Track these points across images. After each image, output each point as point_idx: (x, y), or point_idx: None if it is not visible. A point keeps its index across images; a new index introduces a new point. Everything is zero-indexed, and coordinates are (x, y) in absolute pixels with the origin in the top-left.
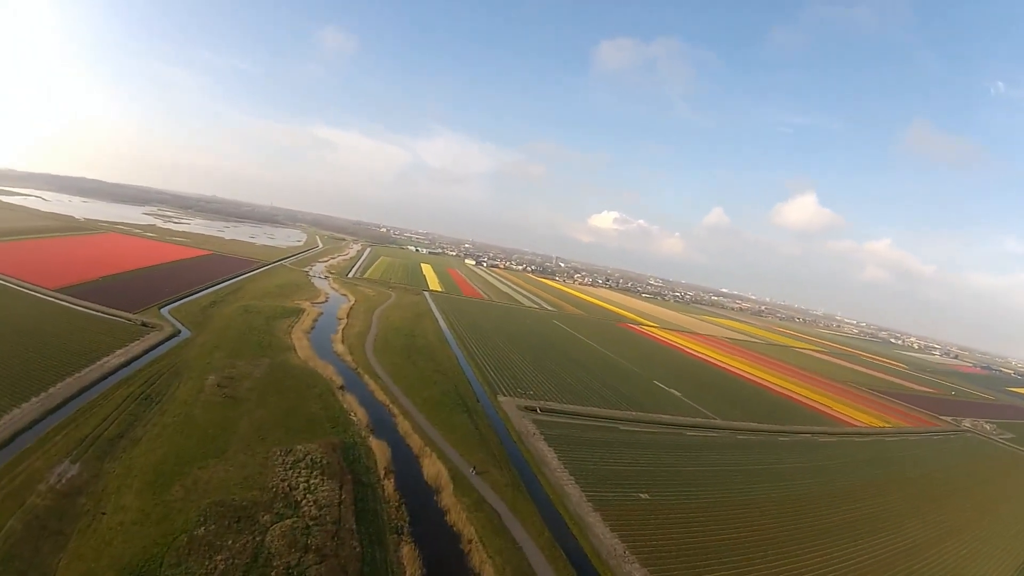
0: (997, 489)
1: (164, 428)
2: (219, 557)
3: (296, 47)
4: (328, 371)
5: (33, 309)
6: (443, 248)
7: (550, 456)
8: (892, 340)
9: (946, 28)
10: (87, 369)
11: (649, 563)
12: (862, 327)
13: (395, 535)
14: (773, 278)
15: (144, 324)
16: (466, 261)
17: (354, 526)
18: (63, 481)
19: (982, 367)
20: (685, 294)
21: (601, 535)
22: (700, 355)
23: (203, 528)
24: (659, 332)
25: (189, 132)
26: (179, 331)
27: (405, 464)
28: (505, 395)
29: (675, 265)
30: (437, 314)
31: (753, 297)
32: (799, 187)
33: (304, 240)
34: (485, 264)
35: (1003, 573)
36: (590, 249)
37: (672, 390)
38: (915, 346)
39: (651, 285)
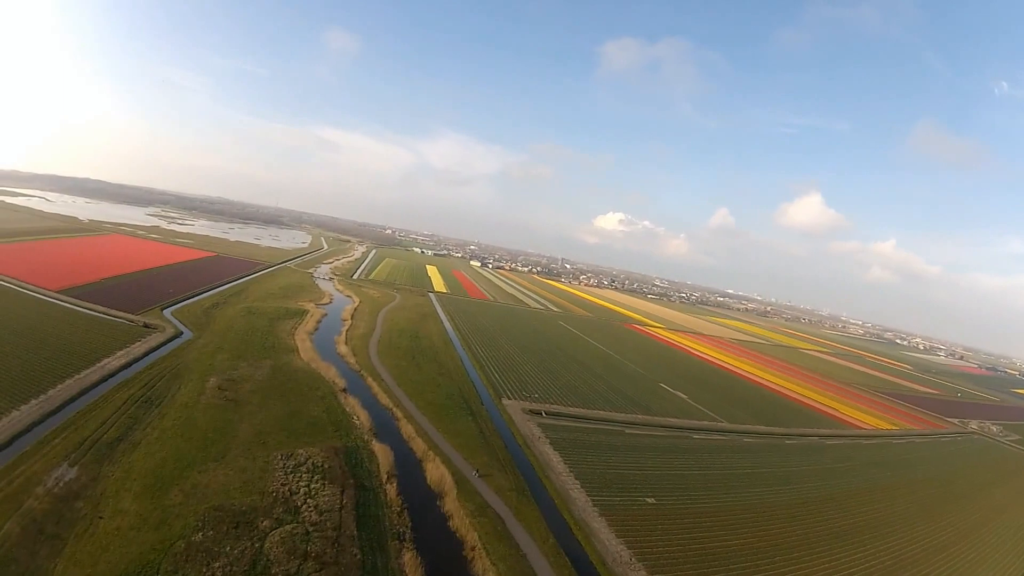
0: (1006, 492)
1: (164, 431)
2: (217, 564)
3: (300, 49)
4: (331, 373)
5: (34, 310)
6: (448, 250)
7: (555, 460)
8: (898, 341)
9: (949, 27)
10: (87, 371)
11: (655, 570)
12: (867, 328)
13: (397, 541)
14: (779, 279)
15: (146, 325)
16: (471, 263)
17: (355, 532)
18: (61, 485)
19: (987, 368)
20: (691, 295)
21: (607, 541)
22: (706, 356)
23: (201, 534)
24: (665, 333)
25: (194, 133)
26: (181, 332)
27: (408, 468)
28: (510, 398)
29: (681, 266)
30: (442, 316)
31: (759, 298)
32: (804, 188)
33: (309, 242)
34: (490, 266)
35: None
36: (596, 250)
37: (678, 392)
38: (920, 347)
39: (657, 286)
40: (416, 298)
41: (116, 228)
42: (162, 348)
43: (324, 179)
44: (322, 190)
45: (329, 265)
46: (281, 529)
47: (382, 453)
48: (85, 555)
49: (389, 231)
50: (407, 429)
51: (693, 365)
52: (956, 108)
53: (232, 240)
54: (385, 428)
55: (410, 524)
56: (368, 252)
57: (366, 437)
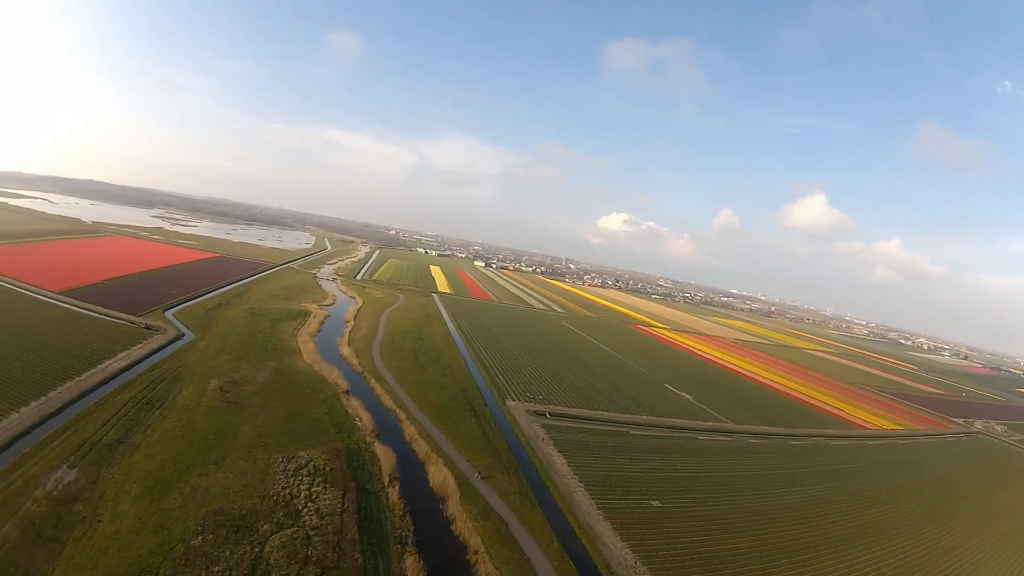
0: (1011, 493)
1: (164, 434)
2: (216, 569)
3: (304, 50)
4: (333, 375)
5: (35, 312)
6: (452, 250)
7: (559, 462)
8: (902, 341)
9: (952, 27)
10: (88, 373)
11: (661, 574)
12: (871, 328)
13: (399, 545)
14: (783, 279)
15: (148, 327)
16: (475, 263)
17: (356, 536)
18: (60, 487)
19: (992, 368)
20: (695, 295)
21: (611, 545)
22: (710, 357)
23: (201, 538)
24: (669, 334)
25: (198, 135)
26: (183, 334)
27: (411, 471)
28: (514, 399)
29: (685, 266)
30: (445, 316)
31: (763, 298)
32: (808, 188)
33: (312, 242)
34: (494, 266)
35: None
36: (600, 251)
37: (683, 393)
38: (925, 347)
39: (661, 286)
40: (420, 299)
41: (119, 229)
42: (164, 350)
43: (328, 180)
44: (326, 191)
45: (332, 266)
46: (281, 533)
47: (384, 455)
48: (83, 558)
49: (393, 232)
50: (410, 431)
51: (697, 365)
52: (960, 108)
53: (235, 241)
54: (387, 430)
55: (412, 528)
56: (372, 253)
57: (368, 439)
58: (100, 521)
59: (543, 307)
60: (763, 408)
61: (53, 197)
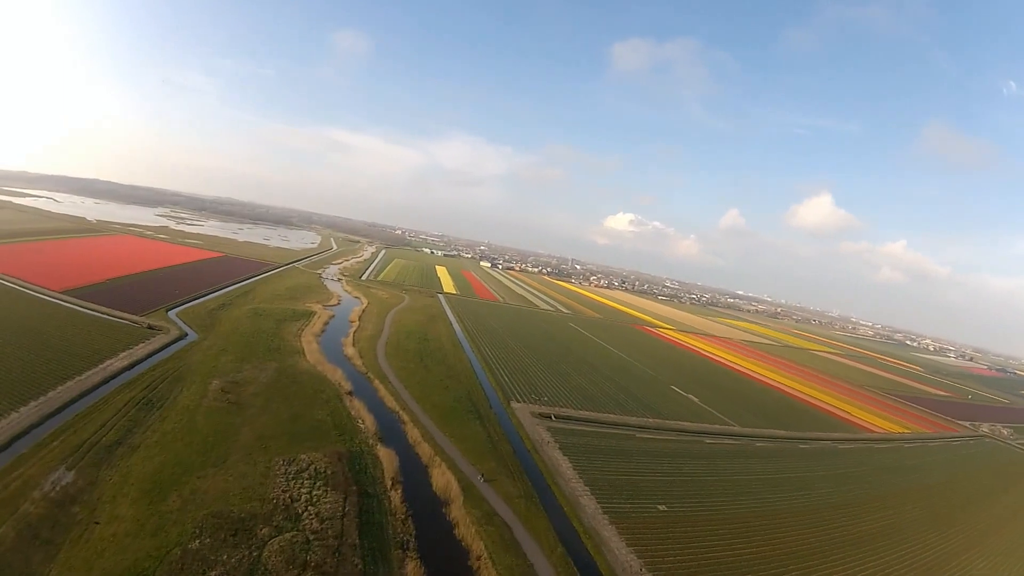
0: (1017, 497)
1: (164, 435)
2: (213, 573)
3: (310, 50)
4: (337, 376)
5: (36, 311)
6: (458, 250)
7: (564, 466)
8: (907, 342)
9: (957, 26)
10: (89, 373)
11: None
12: (877, 329)
13: (400, 550)
14: (789, 280)
15: (150, 327)
16: (481, 263)
17: (357, 541)
18: (57, 489)
19: (997, 369)
20: (701, 296)
21: (617, 550)
22: (717, 358)
23: (198, 541)
24: (675, 335)
25: (204, 135)
26: (185, 334)
27: (413, 474)
28: (519, 401)
29: (691, 267)
30: (451, 317)
31: (769, 299)
32: (815, 188)
33: (318, 242)
34: (500, 266)
35: None
36: (606, 251)
37: (689, 395)
38: (930, 348)
39: (667, 287)
40: (425, 299)
41: (124, 229)
42: (166, 350)
43: (334, 180)
44: (333, 191)
45: (338, 266)
46: (281, 537)
47: (387, 458)
48: (79, 561)
49: (399, 232)
50: (413, 433)
51: (703, 367)
52: (966, 108)
53: (241, 240)
54: (391, 432)
55: (414, 532)
56: (377, 253)
57: (371, 442)
58: (97, 523)
59: (549, 308)
60: (770, 411)
61: (58, 196)
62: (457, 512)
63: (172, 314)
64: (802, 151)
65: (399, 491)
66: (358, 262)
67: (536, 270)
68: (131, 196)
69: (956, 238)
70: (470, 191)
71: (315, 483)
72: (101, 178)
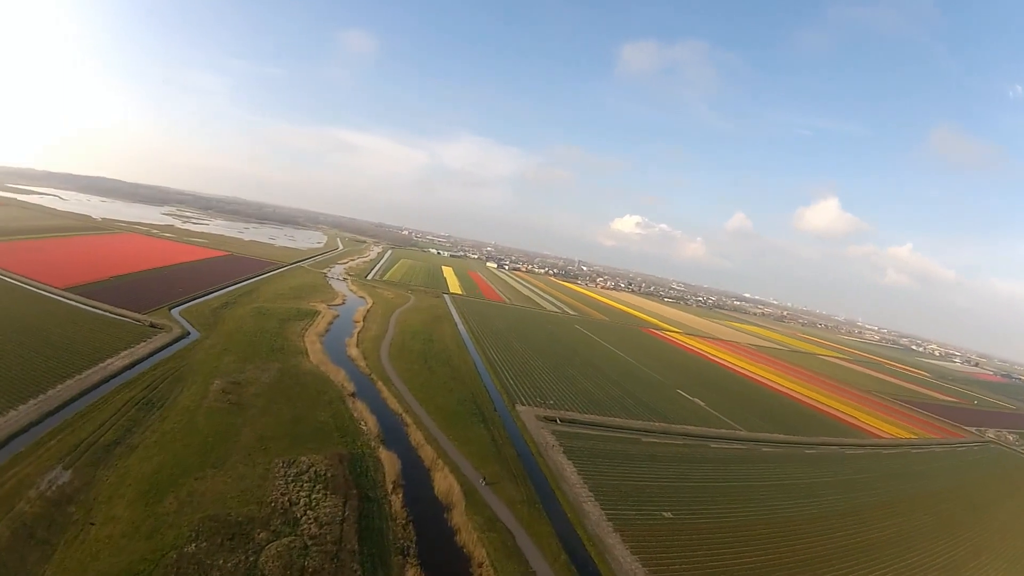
0: (1022, 503)
1: (163, 435)
2: None
3: (317, 50)
4: (340, 377)
5: (38, 308)
6: (465, 251)
7: (569, 471)
8: (913, 347)
9: (966, 28)
10: (89, 371)
11: None
12: (883, 333)
13: (400, 557)
14: (795, 283)
15: (152, 325)
16: (488, 264)
17: (356, 546)
18: (54, 488)
19: (1002, 375)
20: (707, 299)
21: (621, 559)
22: (723, 362)
23: (194, 545)
24: (682, 338)
25: (211, 135)
26: (188, 333)
27: (415, 478)
28: (524, 404)
29: (697, 269)
30: (456, 318)
31: (775, 302)
32: (821, 191)
33: (324, 242)
34: (507, 267)
35: None
36: (613, 253)
37: (696, 399)
38: (936, 353)
39: (674, 289)
40: (431, 300)
41: (129, 227)
42: (168, 349)
43: (341, 180)
44: (339, 191)
45: (344, 265)
46: (278, 542)
47: (389, 461)
48: (74, 562)
49: (406, 232)
50: (416, 436)
51: (710, 370)
52: (973, 111)
53: (246, 239)
54: (393, 434)
55: (415, 538)
56: (384, 253)
57: (373, 444)
58: (93, 524)
59: (555, 309)
60: (777, 415)
61: (64, 194)
62: (459, 518)
63: (175, 312)
64: (809, 153)
65: (400, 495)
66: (364, 262)
67: (542, 271)
68: (137, 194)
69: (962, 241)
70: (477, 192)
71: (315, 486)
72: (108, 176)
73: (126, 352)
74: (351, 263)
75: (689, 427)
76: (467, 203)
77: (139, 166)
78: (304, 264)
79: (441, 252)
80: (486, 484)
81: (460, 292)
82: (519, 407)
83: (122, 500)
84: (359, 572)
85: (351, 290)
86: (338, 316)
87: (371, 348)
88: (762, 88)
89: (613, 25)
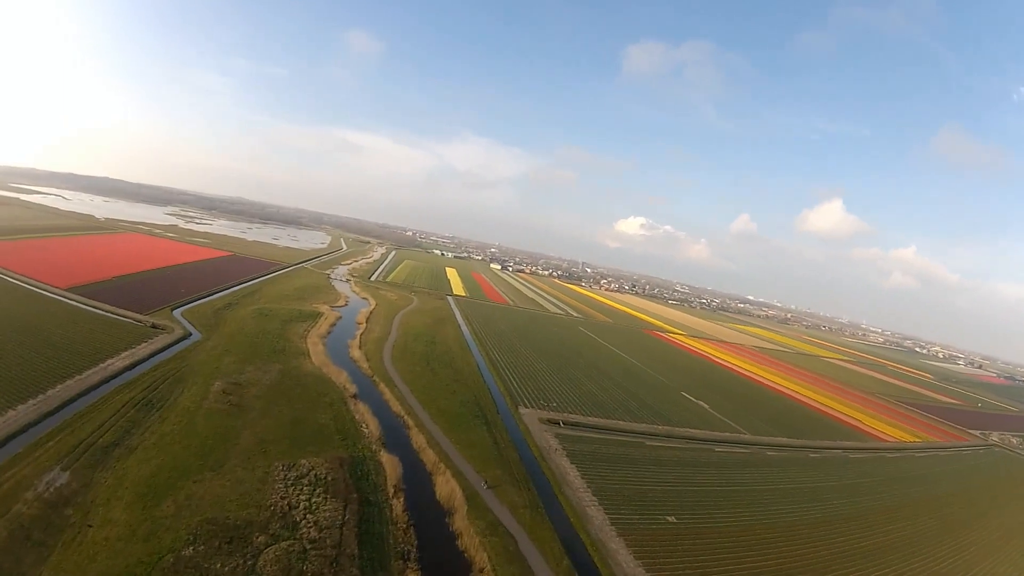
0: None
1: (162, 437)
2: None
3: (322, 51)
4: (342, 378)
5: (39, 308)
6: (468, 252)
7: (572, 474)
8: (917, 349)
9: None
10: (89, 372)
11: None
12: (887, 335)
13: (400, 561)
14: (799, 285)
15: (154, 326)
16: (492, 265)
17: (356, 551)
18: (52, 490)
19: (1006, 377)
20: (711, 301)
21: (624, 563)
22: (727, 364)
23: (192, 548)
24: (686, 340)
25: (215, 135)
26: (189, 334)
27: (417, 481)
28: (527, 406)
29: (701, 271)
30: (460, 320)
31: (779, 304)
32: (826, 193)
33: (328, 242)
34: (511, 269)
35: None
36: (617, 254)
37: (700, 402)
38: (940, 355)
39: (678, 291)
40: (434, 301)
41: (132, 227)
42: (168, 349)
43: (346, 181)
44: (342, 191)
45: (347, 266)
46: (276, 546)
47: (390, 465)
48: (71, 564)
49: (410, 233)
50: (418, 439)
51: (714, 373)
52: (978, 113)
53: (249, 240)
54: (395, 437)
55: (416, 543)
56: (387, 254)
57: (374, 447)
58: (90, 527)
59: (559, 311)
60: (781, 418)
61: (67, 194)
62: (461, 522)
63: (177, 313)
64: (814, 155)
65: (401, 499)
66: (368, 263)
67: (546, 273)
68: (140, 194)
69: (966, 243)
70: (481, 193)
71: (315, 490)
72: (111, 176)
73: (127, 353)
74: (355, 264)
75: (693, 430)
76: (471, 204)
77: (142, 166)
78: (307, 265)
79: (445, 253)
80: (488, 488)
81: (464, 294)
82: (522, 410)
83: (120, 502)
84: None
85: (354, 291)
86: (341, 318)
87: (374, 350)
88: (766, 89)
89: (616, 25)
